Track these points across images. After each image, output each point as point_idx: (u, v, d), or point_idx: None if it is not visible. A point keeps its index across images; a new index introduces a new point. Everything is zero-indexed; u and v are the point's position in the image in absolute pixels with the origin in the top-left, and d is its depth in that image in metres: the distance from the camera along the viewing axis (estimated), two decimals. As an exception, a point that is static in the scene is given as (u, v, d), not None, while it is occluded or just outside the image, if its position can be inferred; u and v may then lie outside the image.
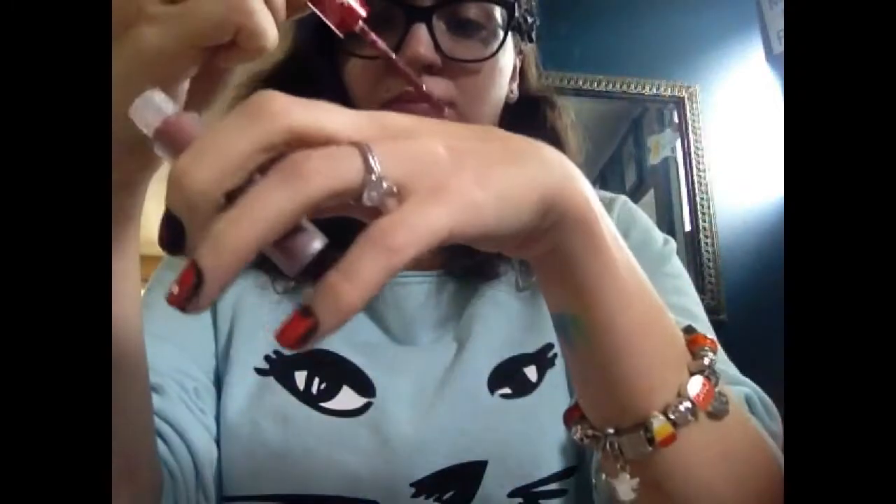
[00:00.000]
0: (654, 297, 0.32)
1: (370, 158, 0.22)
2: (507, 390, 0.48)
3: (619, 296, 0.30)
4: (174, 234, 0.22)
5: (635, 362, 0.30)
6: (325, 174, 0.22)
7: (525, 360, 0.50)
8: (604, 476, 0.33)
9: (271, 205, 0.21)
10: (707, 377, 0.32)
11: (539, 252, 0.29)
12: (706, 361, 0.32)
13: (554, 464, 0.47)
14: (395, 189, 0.23)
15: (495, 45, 0.49)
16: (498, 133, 0.28)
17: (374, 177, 0.22)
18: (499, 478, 0.46)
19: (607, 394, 0.31)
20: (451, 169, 0.24)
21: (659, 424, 0.30)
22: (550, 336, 0.51)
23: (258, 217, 0.21)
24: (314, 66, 0.53)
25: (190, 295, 0.21)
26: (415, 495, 0.45)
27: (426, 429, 0.46)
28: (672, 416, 0.30)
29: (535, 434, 0.47)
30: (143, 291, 0.55)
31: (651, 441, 0.30)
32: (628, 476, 0.31)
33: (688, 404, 0.30)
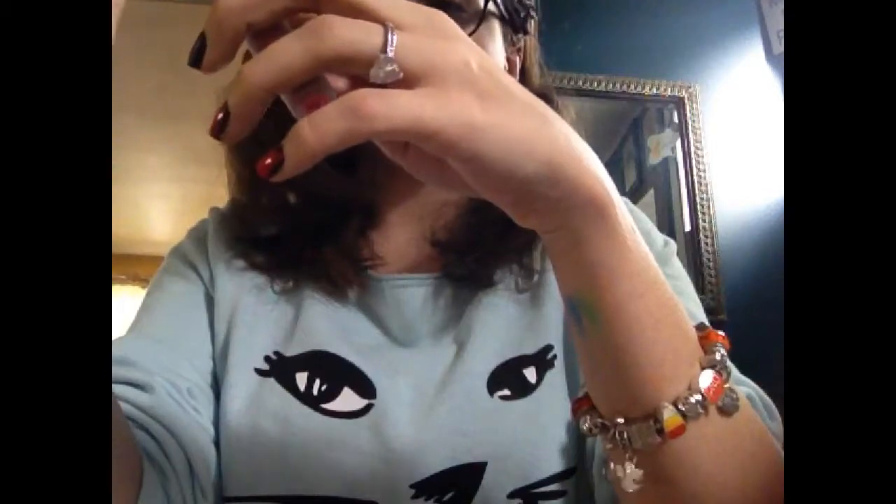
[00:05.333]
0: (669, 291, 0.32)
1: (390, 39, 0.24)
2: (506, 392, 0.48)
3: (631, 281, 0.30)
4: (199, 48, 0.26)
5: (647, 351, 0.31)
6: (342, 39, 0.24)
7: (524, 361, 0.50)
8: (612, 465, 0.33)
9: (287, 53, 0.24)
10: (718, 372, 0.32)
11: (548, 226, 0.30)
12: (717, 357, 0.32)
13: (553, 465, 0.46)
14: (401, 75, 0.25)
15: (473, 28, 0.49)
16: (531, 94, 0.29)
17: (383, 57, 0.24)
18: (498, 479, 0.45)
19: (618, 383, 0.31)
20: (466, 83, 0.26)
21: (669, 415, 0.30)
22: (550, 337, 0.51)
23: (274, 61, 0.24)
24: None
25: (220, 128, 0.25)
26: (415, 496, 0.45)
27: (426, 430, 0.46)
28: (682, 408, 0.30)
29: (534, 435, 0.47)
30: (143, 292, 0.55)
31: (660, 432, 0.30)
32: (633, 467, 0.31)
33: (698, 397, 0.31)
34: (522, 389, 0.49)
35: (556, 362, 0.50)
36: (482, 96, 0.26)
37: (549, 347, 0.51)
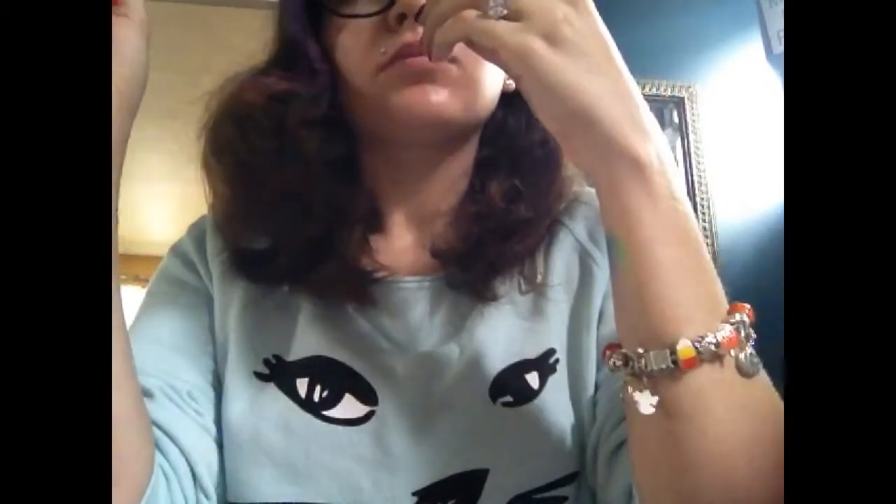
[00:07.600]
0: (702, 251, 0.36)
1: None
2: (508, 398, 0.48)
3: (660, 229, 0.35)
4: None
5: (667, 292, 0.34)
6: None
7: (526, 366, 0.50)
8: (629, 390, 0.35)
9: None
10: (737, 329, 0.34)
11: (585, 164, 0.38)
12: (738, 318, 0.35)
13: (555, 470, 0.46)
14: (505, 11, 0.36)
15: None
16: (615, 60, 0.38)
17: (493, 2, 0.36)
18: (500, 486, 0.45)
19: (640, 317, 0.35)
20: (546, 27, 0.35)
21: (683, 346, 0.33)
22: (551, 342, 0.51)
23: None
24: (304, 51, 0.52)
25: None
26: None
27: (428, 437, 0.46)
28: (696, 346, 0.33)
29: (536, 442, 0.47)
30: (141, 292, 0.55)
31: (675, 363, 0.33)
32: (649, 393, 0.34)
33: (712, 340, 0.33)
34: (525, 395, 0.48)
35: (558, 366, 0.50)
36: (554, 41, 0.35)
37: (551, 351, 0.51)
